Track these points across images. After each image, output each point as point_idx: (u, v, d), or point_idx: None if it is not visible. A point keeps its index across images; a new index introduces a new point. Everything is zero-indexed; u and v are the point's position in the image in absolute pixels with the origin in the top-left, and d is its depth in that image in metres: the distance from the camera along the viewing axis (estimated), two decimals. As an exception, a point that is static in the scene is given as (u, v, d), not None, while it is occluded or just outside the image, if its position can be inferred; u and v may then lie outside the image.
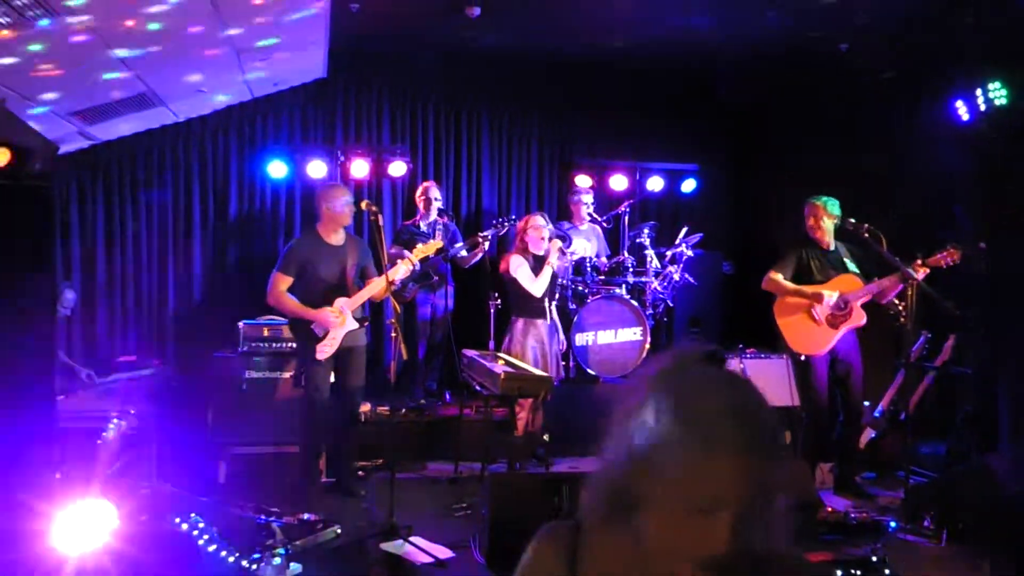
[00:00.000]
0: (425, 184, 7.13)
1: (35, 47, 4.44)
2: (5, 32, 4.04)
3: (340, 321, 5.18)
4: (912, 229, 6.91)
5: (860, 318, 5.34)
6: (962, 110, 6.19)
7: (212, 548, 3.41)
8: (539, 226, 5.93)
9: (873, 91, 7.26)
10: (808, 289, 5.35)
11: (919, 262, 5.12)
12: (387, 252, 5.22)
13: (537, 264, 5.96)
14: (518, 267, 5.91)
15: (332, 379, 5.38)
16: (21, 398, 2.55)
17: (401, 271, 5.35)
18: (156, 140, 7.29)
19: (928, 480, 5.51)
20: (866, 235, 5.23)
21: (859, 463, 6.09)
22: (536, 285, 5.87)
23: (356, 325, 5.29)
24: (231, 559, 3.50)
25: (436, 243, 5.61)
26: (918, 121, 6.81)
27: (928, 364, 6.07)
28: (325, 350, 5.18)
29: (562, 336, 6.27)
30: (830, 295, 5.29)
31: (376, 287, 5.29)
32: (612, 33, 6.80)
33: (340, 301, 5.21)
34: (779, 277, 5.40)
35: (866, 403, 6.28)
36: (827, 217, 5.45)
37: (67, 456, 4.62)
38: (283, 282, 5.23)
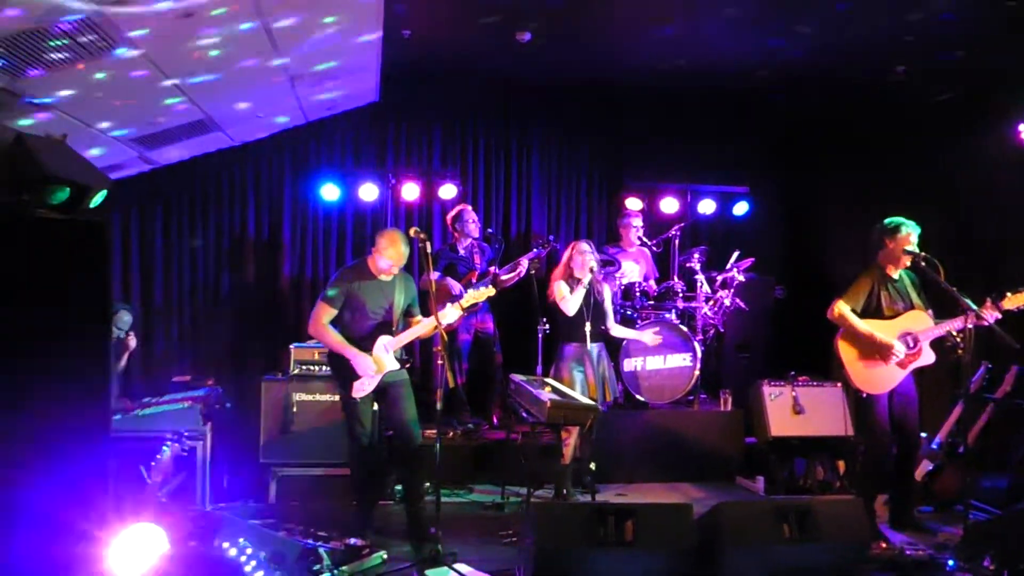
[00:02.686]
0: (459, 207, 7.15)
1: (99, 77, 4.60)
2: (71, 65, 4.19)
3: (377, 370, 4.95)
4: (973, 256, 6.76)
5: (929, 357, 5.14)
6: (1024, 134, 6.05)
7: (259, 574, 3.45)
8: (584, 251, 5.89)
9: (930, 114, 7.12)
10: (879, 337, 5.10)
11: (989, 303, 4.94)
12: (434, 280, 5.19)
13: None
14: (558, 290, 5.90)
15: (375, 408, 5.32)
16: (75, 425, 2.61)
17: (450, 316, 5.09)
18: (213, 163, 7.47)
19: (989, 517, 5.33)
20: (923, 264, 5.06)
21: (916, 496, 5.94)
22: (569, 302, 5.83)
23: (396, 366, 5.04)
24: (277, 586, 3.54)
25: (488, 291, 5.33)
26: (978, 145, 6.65)
27: (988, 396, 5.88)
28: (363, 387, 4.95)
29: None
30: (899, 347, 5.09)
31: (423, 329, 5.02)
32: (662, 57, 6.77)
33: (383, 340, 4.98)
34: (848, 310, 5.18)
35: (923, 434, 6.13)
36: (912, 244, 5.17)
37: (120, 478, 4.73)
38: (326, 313, 4.97)
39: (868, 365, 5.17)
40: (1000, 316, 4.91)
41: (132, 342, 6.16)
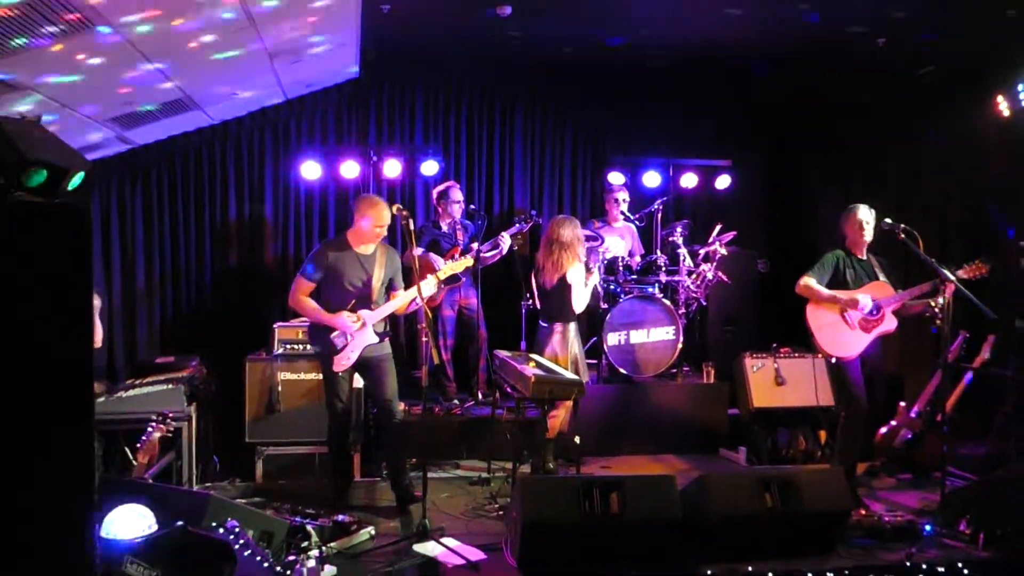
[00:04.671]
0: (445, 184, 7.12)
1: (76, 58, 4.54)
2: (49, 46, 4.13)
3: (358, 326, 5.05)
4: (951, 227, 6.82)
5: (891, 324, 5.30)
6: (1003, 105, 6.08)
7: (247, 553, 3.47)
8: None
9: (912, 87, 7.13)
10: (843, 295, 5.28)
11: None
12: (416, 256, 5.16)
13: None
14: (579, 274, 5.76)
15: (358, 385, 5.37)
16: (58, 409, 2.61)
17: (427, 288, 5.12)
18: (192, 142, 7.42)
19: (966, 483, 5.43)
20: (902, 236, 5.15)
21: (895, 463, 6.06)
22: (581, 300, 5.84)
23: (376, 339, 5.13)
24: (265, 564, 3.56)
25: (466, 261, 5.43)
26: (959, 117, 6.69)
27: (966, 364, 5.98)
28: (343, 363, 5.08)
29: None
30: (865, 300, 5.22)
31: (399, 303, 5.14)
32: (645, 29, 6.74)
33: (362, 313, 5.07)
34: (813, 282, 5.33)
35: (902, 403, 6.23)
36: (870, 226, 5.36)
37: (106, 461, 4.74)
38: (305, 287, 5.11)
39: (834, 331, 5.31)
40: (956, 286, 5.03)
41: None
